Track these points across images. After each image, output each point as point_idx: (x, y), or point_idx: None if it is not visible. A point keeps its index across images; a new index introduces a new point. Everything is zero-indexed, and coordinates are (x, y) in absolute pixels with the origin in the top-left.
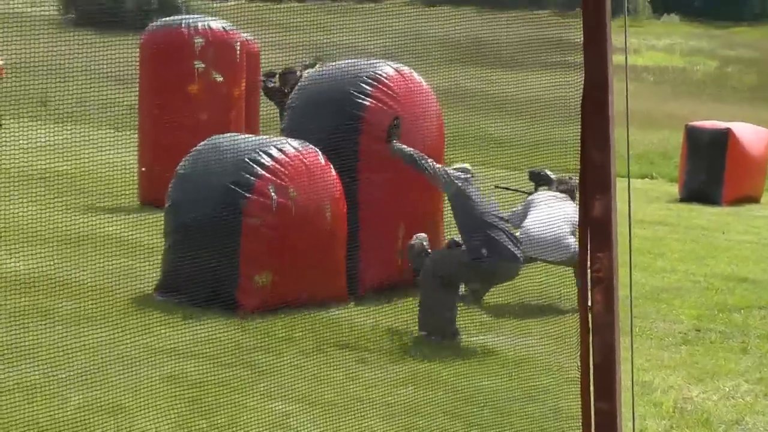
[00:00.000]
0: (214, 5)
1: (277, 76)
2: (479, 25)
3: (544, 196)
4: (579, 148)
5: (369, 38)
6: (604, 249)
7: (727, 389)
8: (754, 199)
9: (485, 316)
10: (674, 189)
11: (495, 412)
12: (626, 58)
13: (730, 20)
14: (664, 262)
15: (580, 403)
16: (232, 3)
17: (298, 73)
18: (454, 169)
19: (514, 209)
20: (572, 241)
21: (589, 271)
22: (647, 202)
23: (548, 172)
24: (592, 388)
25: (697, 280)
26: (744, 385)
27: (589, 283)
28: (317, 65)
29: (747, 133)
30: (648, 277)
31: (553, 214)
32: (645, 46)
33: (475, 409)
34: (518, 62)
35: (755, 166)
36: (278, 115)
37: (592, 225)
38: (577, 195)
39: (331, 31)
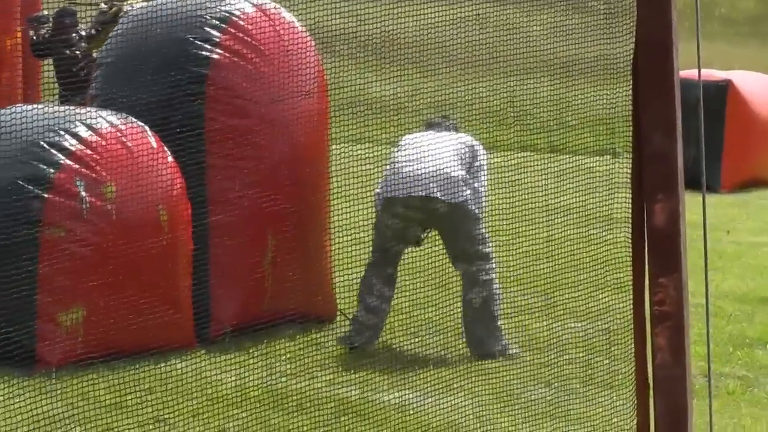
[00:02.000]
0: None
1: (51, 20)
2: None
3: (413, 137)
4: (628, 127)
5: None
6: (669, 272)
7: None
8: (765, 183)
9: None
10: None
11: None
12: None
13: None
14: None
15: None
16: None
17: (103, 5)
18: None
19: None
20: (461, 175)
21: (647, 303)
22: (611, 190)
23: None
24: None
25: (699, 302)
26: None
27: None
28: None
29: (754, 85)
30: (629, 299)
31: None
32: None
33: None
34: None
35: (766, 134)
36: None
37: (652, 238)
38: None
39: None
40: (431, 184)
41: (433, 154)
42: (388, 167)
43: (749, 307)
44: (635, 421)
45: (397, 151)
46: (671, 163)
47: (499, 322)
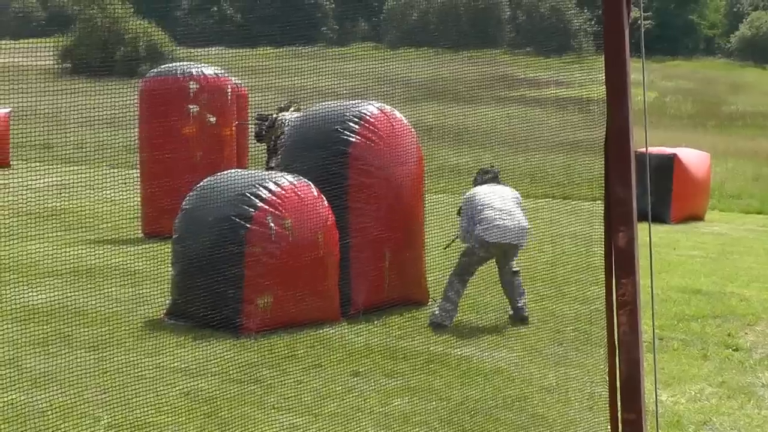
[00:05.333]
0: (198, 52)
1: (269, 119)
2: (438, 65)
3: (482, 189)
4: (603, 183)
5: (340, 81)
6: (628, 275)
7: (693, 392)
8: (699, 218)
9: (464, 330)
10: None
11: (485, 418)
12: (645, 98)
13: (666, 55)
14: None
15: (608, 414)
16: (215, 50)
17: (274, 115)
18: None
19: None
20: (526, 222)
21: (614, 294)
22: (596, 223)
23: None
24: (619, 401)
25: (656, 293)
26: (708, 389)
27: (615, 305)
28: (292, 108)
29: (691, 157)
30: (603, 292)
31: (507, 203)
32: (590, 80)
33: (465, 417)
34: (474, 97)
35: (699, 187)
36: (266, 153)
37: (616, 254)
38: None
39: (306, 76)
40: (519, 235)
41: (512, 208)
42: (481, 215)
43: (687, 296)
44: (608, 368)
45: (481, 200)
46: (628, 206)
47: (524, 300)
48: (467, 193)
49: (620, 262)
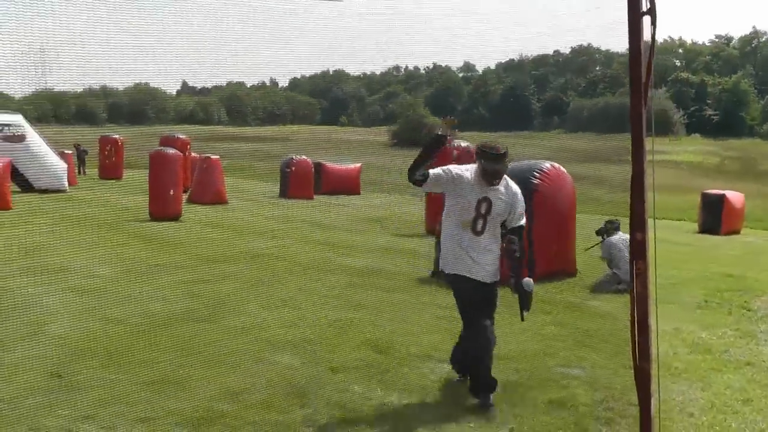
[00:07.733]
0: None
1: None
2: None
3: (619, 238)
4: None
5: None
6: (641, 258)
7: (720, 333)
8: (737, 232)
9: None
10: (694, 226)
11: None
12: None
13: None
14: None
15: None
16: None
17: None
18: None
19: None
20: None
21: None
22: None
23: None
24: (637, 334)
25: (704, 275)
26: (729, 332)
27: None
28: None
29: (734, 196)
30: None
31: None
32: (680, 151)
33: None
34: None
35: (738, 214)
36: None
37: (633, 246)
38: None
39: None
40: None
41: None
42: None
43: (723, 277)
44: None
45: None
46: (642, 217)
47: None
48: (612, 238)
49: (636, 250)
